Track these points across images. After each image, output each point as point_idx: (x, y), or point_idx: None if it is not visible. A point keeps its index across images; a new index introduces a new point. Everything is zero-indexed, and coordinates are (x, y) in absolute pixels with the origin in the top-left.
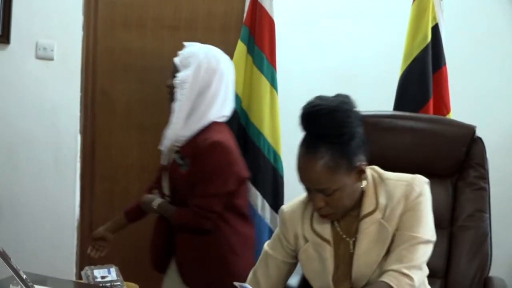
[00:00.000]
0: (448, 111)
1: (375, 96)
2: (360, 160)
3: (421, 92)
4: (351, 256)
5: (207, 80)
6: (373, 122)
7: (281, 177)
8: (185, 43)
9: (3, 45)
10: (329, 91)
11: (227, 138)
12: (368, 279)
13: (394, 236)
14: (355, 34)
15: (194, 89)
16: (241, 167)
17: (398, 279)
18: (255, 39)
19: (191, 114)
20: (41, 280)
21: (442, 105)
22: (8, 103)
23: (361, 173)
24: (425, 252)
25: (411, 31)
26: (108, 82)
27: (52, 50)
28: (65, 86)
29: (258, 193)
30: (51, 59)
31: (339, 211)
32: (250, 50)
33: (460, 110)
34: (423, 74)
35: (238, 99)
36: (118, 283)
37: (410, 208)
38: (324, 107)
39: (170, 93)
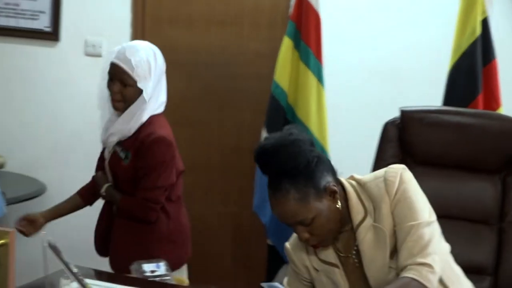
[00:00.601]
0: (498, 106)
1: (423, 91)
2: (328, 182)
3: (470, 86)
4: (361, 269)
5: (158, 86)
6: (419, 118)
7: None
8: (126, 47)
9: (53, 42)
10: (376, 86)
11: (169, 133)
12: (387, 282)
13: (394, 233)
14: (402, 28)
15: (150, 97)
16: (179, 160)
17: (418, 270)
18: (301, 34)
19: (138, 115)
20: (92, 274)
21: (492, 100)
22: (58, 100)
23: (333, 194)
24: (431, 234)
25: (460, 24)
26: None
27: (100, 47)
28: None
29: None
30: (100, 56)
31: (326, 236)
32: (296, 45)
33: (510, 104)
34: (473, 69)
35: (284, 94)
36: (167, 277)
37: (397, 201)
38: (270, 145)
39: (116, 99)
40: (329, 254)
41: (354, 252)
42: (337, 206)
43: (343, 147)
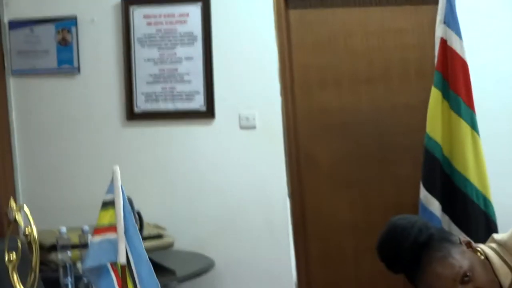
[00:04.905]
0: None
1: None
2: (458, 238)
3: None
4: None
5: None
6: None
7: (494, 223)
8: None
9: (209, 120)
10: None
11: None
12: None
13: None
14: None
15: None
16: None
17: None
18: (449, 83)
19: None
20: None
21: None
22: (219, 175)
23: (469, 245)
24: None
25: None
26: (310, 143)
27: (254, 119)
28: (269, 152)
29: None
30: (254, 127)
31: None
32: (445, 95)
33: None
34: None
35: (438, 146)
36: None
37: None
38: (387, 252)
39: None
40: None
41: None
42: (482, 257)
43: (508, 196)
